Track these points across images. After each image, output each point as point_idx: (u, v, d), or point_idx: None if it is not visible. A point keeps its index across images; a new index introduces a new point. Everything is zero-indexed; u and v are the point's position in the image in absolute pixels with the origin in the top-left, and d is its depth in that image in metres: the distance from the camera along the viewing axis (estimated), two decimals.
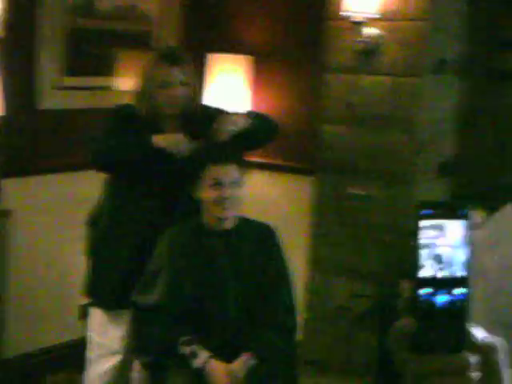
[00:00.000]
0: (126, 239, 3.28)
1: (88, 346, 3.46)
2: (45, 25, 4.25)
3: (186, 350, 3.00)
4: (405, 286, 1.11)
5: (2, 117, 3.49)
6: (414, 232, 1.15)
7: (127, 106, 3.32)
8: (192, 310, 3.05)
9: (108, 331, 3.37)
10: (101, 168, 3.28)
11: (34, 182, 4.27)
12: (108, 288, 3.32)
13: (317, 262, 4.14)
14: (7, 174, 4.09)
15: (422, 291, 1.13)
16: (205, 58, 4.69)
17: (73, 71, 4.45)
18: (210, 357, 2.99)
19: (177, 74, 3.19)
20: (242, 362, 3.02)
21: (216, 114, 3.29)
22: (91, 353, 3.44)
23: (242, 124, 3.18)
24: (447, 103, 3.98)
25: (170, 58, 3.20)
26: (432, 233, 1.17)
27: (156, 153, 3.08)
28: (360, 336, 4.01)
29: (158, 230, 3.18)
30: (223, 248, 3.12)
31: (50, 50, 4.29)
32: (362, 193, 3.98)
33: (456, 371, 1.05)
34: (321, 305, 4.14)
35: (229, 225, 3.14)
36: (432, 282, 1.15)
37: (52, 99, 4.34)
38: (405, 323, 1.08)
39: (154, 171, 3.20)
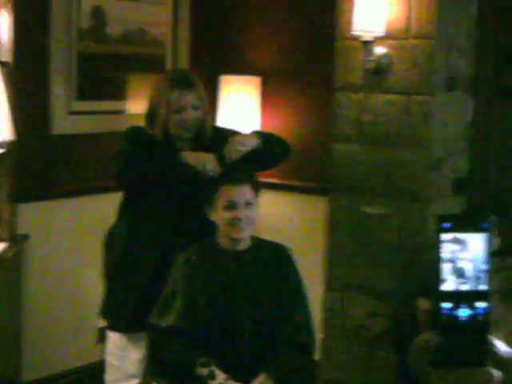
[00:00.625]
0: (142, 261, 3.28)
1: (106, 369, 3.46)
2: (56, 50, 4.29)
3: (204, 371, 2.99)
4: (421, 303, 1.11)
5: (13, 142, 3.50)
6: (434, 245, 1.14)
7: (141, 128, 3.33)
8: (208, 331, 3.04)
9: (125, 355, 3.37)
10: (127, 183, 3.26)
11: (48, 206, 4.29)
12: (125, 311, 3.32)
13: (333, 281, 4.12)
14: (22, 199, 4.11)
15: (444, 305, 1.13)
16: (216, 79, 4.72)
17: (85, 96, 4.48)
18: (228, 378, 2.99)
19: (189, 99, 3.22)
20: (260, 383, 3.01)
21: (230, 134, 3.30)
22: (109, 376, 3.44)
23: (251, 144, 3.19)
24: (460, 120, 3.98)
25: (182, 82, 3.23)
26: (454, 247, 1.17)
27: (184, 169, 3.09)
28: (378, 355, 3.98)
29: (173, 251, 3.18)
30: (238, 269, 3.11)
31: (61, 75, 4.33)
32: (376, 211, 3.97)
33: None
34: (338, 324, 4.11)
35: (243, 246, 3.14)
36: (454, 295, 1.14)
37: (65, 124, 4.37)
38: (427, 338, 1.07)
39: (176, 190, 3.21)
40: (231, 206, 3.05)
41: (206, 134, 3.31)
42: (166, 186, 3.20)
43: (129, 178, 3.21)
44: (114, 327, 3.40)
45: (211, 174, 3.09)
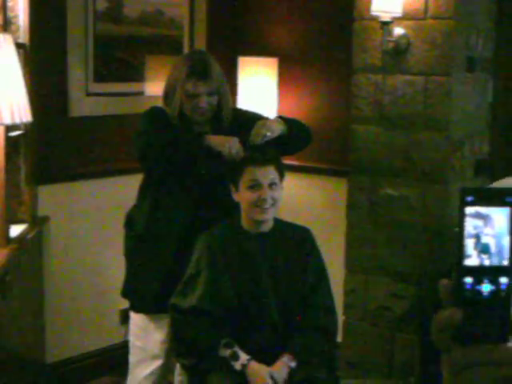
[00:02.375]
0: (164, 242, 3.28)
1: (130, 350, 3.48)
2: (73, 32, 4.28)
3: (227, 352, 3.01)
4: (443, 284, 1.11)
5: (31, 124, 3.51)
6: (458, 219, 1.14)
7: (161, 109, 3.33)
8: (231, 312, 3.06)
9: (148, 335, 3.38)
10: (149, 163, 3.25)
11: (68, 188, 4.31)
12: (146, 292, 3.33)
13: (354, 263, 4.13)
14: (41, 181, 4.12)
15: (466, 280, 1.12)
16: (233, 60, 4.71)
17: (102, 78, 4.48)
18: (250, 359, 3.01)
19: (204, 87, 3.20)
20: (283, 364, 3.02)
21: (252, 118, 3.29)
22: (133, 357, 3.46)
23: (277, 130, 3.19)
24: (480, 101, 3.97)
25: (198, 70, 3.21)
26: (477, 222, 1.16)
27: (208, 151, 3.09)
28: (401, 336, 4.00)
29: (196, 232, 3.19)
30: (261, 250, 3.12)
31: (78, 57, 4.32)
32: (397, 193, 3.97)
33: (500, 361, 1.04)
34: (360, 306, 4.13)
35: (266, 227, 3.15)
36: (476, 270, 1.14)
37: (82, 106, 4.37)
38: (449, 313, 1.07)
39: (198, 171, 3.22)
40: (256, 186, 3.05)
41: (224, 117, 3.30)
42: (189, 168, 3.21)
43: (151, 161, 3.21)
44: (135, 308, 3.42)
45: (235, 157, 3.09)
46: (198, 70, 3.21)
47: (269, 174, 3.07)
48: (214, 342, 3.03)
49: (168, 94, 3.28)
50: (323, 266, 3.23)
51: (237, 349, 3.02)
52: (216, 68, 3.26)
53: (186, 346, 3.10)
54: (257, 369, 3.00)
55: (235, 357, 3.01)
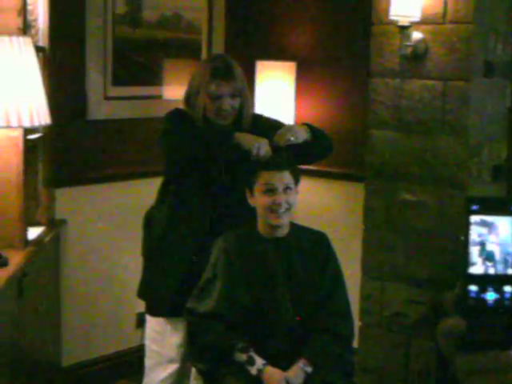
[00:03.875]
0: (182, 245, 3.29)
1: (146, 354, 3.48)
2: (92, 35, 4.31)
3: (243, 356, 3.02)
4: (447, 294, 1.11)
5: (50, 126, 3.53)
6: (463, 227, 1.13)
7: (184, 111, 3.33)
8: (247, 317, 3.06)
9: (165, 339, 3.38)
10: (176, 161, 3.28)
11: (85, 191, 4.33)
12: (163, 295, 3.34)
13: (371, 269, 4.12)
14: (59, 184, 4.14)
15: (471, 288, 1.13)
16: (251, 64, 4.71)
17: (121, 81, 4.49)
18: (266, 364, 3.01)
19: (227, 89, 3.22)
20: (298, 369, 3.03)
21: (275, 126, 3.31)
22: (149, 361, 3.46)
23: (302, 136, 3.20)
24: (498, 106, 3.95)
25: (221, 72, 3.23)
26: (482, 230, 1.16)
27: (236, 149, 3.10)
28: (417, 342, 3.98)
29: (215, 236, 3.20)
30: (277, 255, 3.12)
31: (97, 61, 4.36)
32: (414, 198, 3.95)
33: (504, 368, 1.05)
34: (376, 311, 4.11)
35: (282, 232, 3.15)
36: (481, 279, 1.14)
37: (101, 109, 4.39)
38: (453, 322, 1.07)
39: (220, 173, 3.23)
40: (271, 190, 3.06)
41: (245, 122, 3.31)
42: (212, 168, 3.22)
43: (178, 157, 3.24)
44: (152, 311, 3.42)
45: (262, 158, 3.08)
46: (221, 71, 3.23)
47: (283, 178, 3.07)
48: (230, 347, 3.03)
49: (190, 97, 3.30)
50: (340, 270, 3.23)
51: (253, 353, 3.03)
52: (238, 70, 3.29)
53: (202, 351, 3.10)
54: (272, 374, 3.00)
55: (251, 361, 3.01)
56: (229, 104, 3.23)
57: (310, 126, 3.28)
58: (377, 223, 4.09)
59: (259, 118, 3.47)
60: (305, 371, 3.02)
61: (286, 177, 3.08)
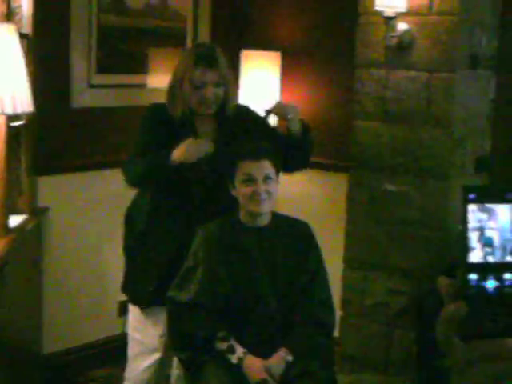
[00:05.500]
0: (164, 237, 3.29)
1: (128, 343, 3.48)
2: (77, 23, 4.28)
3: (223, 345, 3.02)
4: (442, 280, 1.11)
5: (33, 114, 3.51)
6: (461, 216, 1.13)
7: (162, 106, 3.32)
8: (228, 305, 3.06)
9: (147, 329, 3.38)
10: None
11: (68, 179, 4.30)
12: (145, 286, 3.33)
13: (353, 259, 4.13)
14: (42, 172, 4.12)
15: (471, 277, 1.13)
16: (236, 54, 4.71)
17: (105, 69, 4.47)
18: (247, 353, 3.01)
19: (211, 76, 3.20)
20: (279, 358, 3.03)
21: (258, 120, 3.33)
22: (131, 350, 3.46)
23: (296, 124, 3.22)
24: (482, 98, 3.96)
25: (206, 59, 3.20)
26: (482, 215, 1.16)
27: (178, 167, 3.10)
28: (398, 332, 4.00)
29: (196, 226, 3.20)
30: (258, 244, 3.12)
31: (82, 48, 4.33)
32: (398, 189, 3.96)
33: (504, 356, 1.05)
34: (358, 301, 4.13)
35: (264, 221, 3.15)
36: (481, 267, 1.14)
37: (85, 97, 4.37)
38: (454, 308, 1.07)
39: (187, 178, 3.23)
40: (250, 180, 3.07)
41: (228, 111, 3.30)
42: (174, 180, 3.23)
43: (131, 187, 3.32)
44: (134, 302, 3.42)
45: (198, 159, 3.09)
46: (205, 58, 3.20)
47: (263, 168, 3.07)
48: (210, 335, 3.03)
49: (174, 88, 3.27)
50: (321, 259, 3.23)
51: (233, 342, 3.03)
52: (222, 58, 3.26)
53: (182, 339, 3.10)
54: (253, 362, 3.01)
55: (232, 350, 3.01)
56: (212, 92, 3.21)
57: (304, 124, 3.28)
58: (360, 213, 4.10)
59: (244, 108, 3.46)
60: (286, 360, 3.02)
61: (266, 166, 3.08)
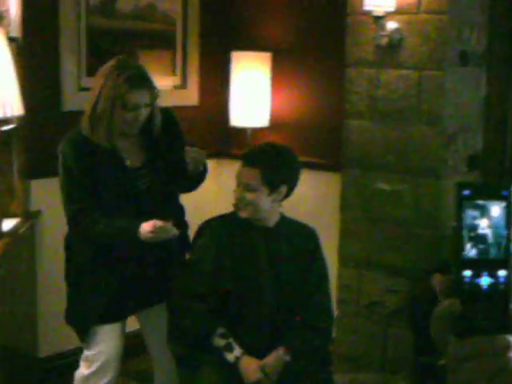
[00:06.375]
0: (107, 271, 3.19)
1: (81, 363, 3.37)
2: (66, 26, 4.27)
3: (222, 342, 3.01)
4: (436, 279, 1.11)
5: (23, 117, 3.51)
6: (455, 213, 1.13)
7: (80, 136, 3.12)
8: (229, 300, 3.05)
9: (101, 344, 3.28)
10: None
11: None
12: (91, 315, 3.25)
13: (347, 258, 4.14)
14: (34, 175, 4.11)
15: (465, 273, 1.13)
16: (226, 55, 4.71)
17: (96, 72, 4.45)
18: (244, 353, 3.01)
19: (144, 98, 3.05)
20: (276, 358, 3.03)
21: (179, 135, 3.28)
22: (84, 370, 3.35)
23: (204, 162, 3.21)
24: (473, 96, 3.96)
25: (139, 81, 3.04)
26: (475, 213, 1.16)
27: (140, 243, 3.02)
28: (394, 331, 4.00)
29: (141, 255, 3.16)
30: (264, 243, 3.12)
31: (71, 51, 4.31)
32: (390, 188, 3.97)
33: (497, 352, 1.05)
34: (353, 301, 4.13)
35: (270, 222, 3.14)
36: (475, 263, 1.14)
37: (75, 100, 4.34)
38: (449, 305, 1.07)
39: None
40: (238, 183, 3.08)
41: (154, 129, 3.18)
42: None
43: (83, 237, 3.18)
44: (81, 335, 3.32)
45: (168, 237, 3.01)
46: (138, 80, 3.03)
47: (245, 175, 3.05)
48: (210, 330, 3.02)
49: (101, 112, 3.03)
50: (325, 265, 3.24)
51: (232, 341, 3.02)
52: (151, 77, 3.10)
53: (182, 334, 3.09)
54: (249, 363, 3.00)
55: (229, 348, 3.01)
56: (144, 114, 3.08)
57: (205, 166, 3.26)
58: (353, 213, 4.10)
59: (170, 113, 3.31)
60: (283, 359, 3.02)
61: (251, 175, 3.04)
